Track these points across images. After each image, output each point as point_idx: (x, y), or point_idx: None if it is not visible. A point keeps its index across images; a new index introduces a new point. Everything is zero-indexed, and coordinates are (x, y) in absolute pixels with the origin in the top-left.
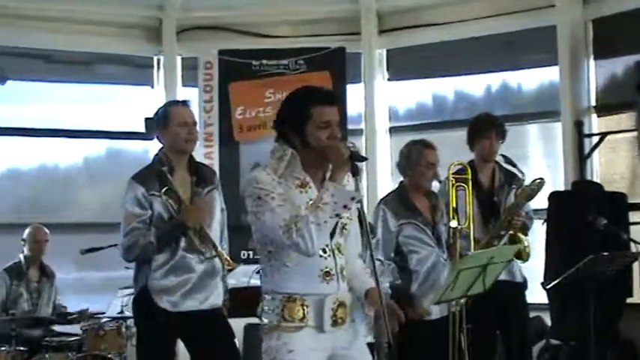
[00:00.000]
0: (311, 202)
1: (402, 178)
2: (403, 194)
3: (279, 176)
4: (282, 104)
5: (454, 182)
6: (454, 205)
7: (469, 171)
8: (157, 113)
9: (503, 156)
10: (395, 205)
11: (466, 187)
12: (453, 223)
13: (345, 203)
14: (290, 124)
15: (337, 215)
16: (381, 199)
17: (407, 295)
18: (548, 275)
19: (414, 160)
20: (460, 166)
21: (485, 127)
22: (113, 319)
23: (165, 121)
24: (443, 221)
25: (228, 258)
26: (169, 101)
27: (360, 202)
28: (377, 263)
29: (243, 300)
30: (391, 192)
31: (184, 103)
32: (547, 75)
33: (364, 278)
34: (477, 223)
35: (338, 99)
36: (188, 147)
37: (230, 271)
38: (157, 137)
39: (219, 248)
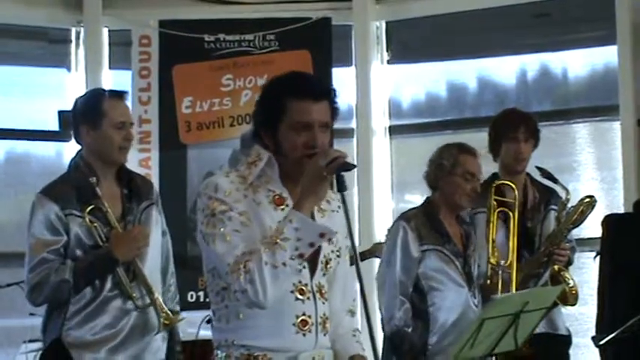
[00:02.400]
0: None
1: (408, 195)
2: (431, 212)
3: (247, 186)
4: (260, 91)
5: (496, 206)
6: (493, 237)
7: (516, 192)
8: (82, 104)
9: (540, 169)
10: (419, 224)
11: (511, 214)
12: (493, 260)
13: (312, 240)
14: (262, 119)
15: (300, 256)
16: (402, 214)
17: (419, 349)
18: (602, 327)
19: (447, 167)
20: (503, 185)
21: (509, 125)
22: None
23: (95, 118)
24: (475, 258)
25: (167, 309)
26: (100, 90)
27: (350, 230)
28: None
29: (193, 358)
30: (414, 208)
31: (122, 95)
32: (601, 57)
33: (349, 342)
34: (502, 254)
35: (329, 92)
36: (122, 157)
37: (167, 326)
38: (76, 136)
39: (157, 294)
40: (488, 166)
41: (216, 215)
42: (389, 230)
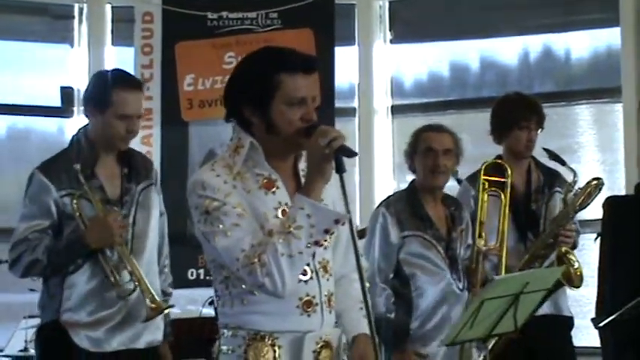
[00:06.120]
0: (280, 210)
1: (409, 175)
2: (412, 196)
3: (235, 175)
4: (236, 70)
5: (486, 186)
6: (482, 218)
7: (509, 172)
8: (92, 86)
9: (547, 151)
10: (400, 209)
11: (502, 194)
12: (479, 242)
13: (327, 227)
14: (249, 98)
15: (316, 243)
16: (383, 201)
17: (403, 332)
18: (602, 309)
19: (411, 148)
20: (497, 165)
21: (522, 112)
22: (14, 358)
23: (102, 103)
24: (465, 241)
25: (154, 293)
26: (113, 75)
27: (349, 212)
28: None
29: (192, 336)
30: (397, 192)
31: (134, 85)
32: (604, 39)
33: (356, 317)
34: (508, 241)
35: (317, 65)
36: (123, 145)
37: (154, 311)
38: (85, 112)
39: (143, 278)
40: (489, 149)
41: (210, 213)
42: (370, 217)
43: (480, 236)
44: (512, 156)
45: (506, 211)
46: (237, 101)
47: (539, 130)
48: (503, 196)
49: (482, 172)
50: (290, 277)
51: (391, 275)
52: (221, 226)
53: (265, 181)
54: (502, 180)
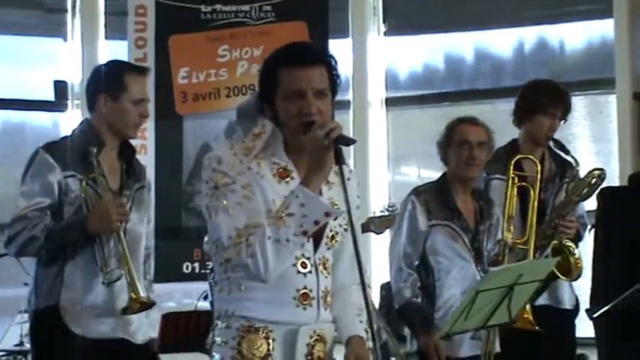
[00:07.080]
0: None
1: (404, 167)
2: (443, 187)
3: (251, 158)
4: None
5: (516, 180)
6: (511, 212)
7: (539, 167)
8: (104, 73)
9: (553, 140)
10: (429, 198)
11: (532, 189)
12: (507, 236)
13: (317, 218)
14: (261, 94)
15: (304, 233)
16: (414, 189)
17: (427, 318)
18: (597, 300)
19: (445, 139)
20: (526, 159)
21: (550, 100)
22: (9, 353)
23: (117, 90)
24: (494, 235)
25: (139, 287)
26: (123, 62)
27: (348, 204)
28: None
29: (188, 329)
30: (428, 183)
31: (144, 71)
32: (598, 30)
33: (353, 321)
34: (516, 228)
35: (316, 57)
36: (134, 132)
37: (133, 303)
38: (90, 104)
39: (132, 270)
40: (506, 137)
41: (219, 188)
42: (401, 204)
43: (508, 230)
44: (529, 142)
45: (535, 205)
46: (259, 97)
47: (563, 122)
48: (532, 192)
49: (511, 167)
50: (274, 262)
51: (416, 262)
52: (225, 202)
53: (280, 170)
54: (526, 174)
